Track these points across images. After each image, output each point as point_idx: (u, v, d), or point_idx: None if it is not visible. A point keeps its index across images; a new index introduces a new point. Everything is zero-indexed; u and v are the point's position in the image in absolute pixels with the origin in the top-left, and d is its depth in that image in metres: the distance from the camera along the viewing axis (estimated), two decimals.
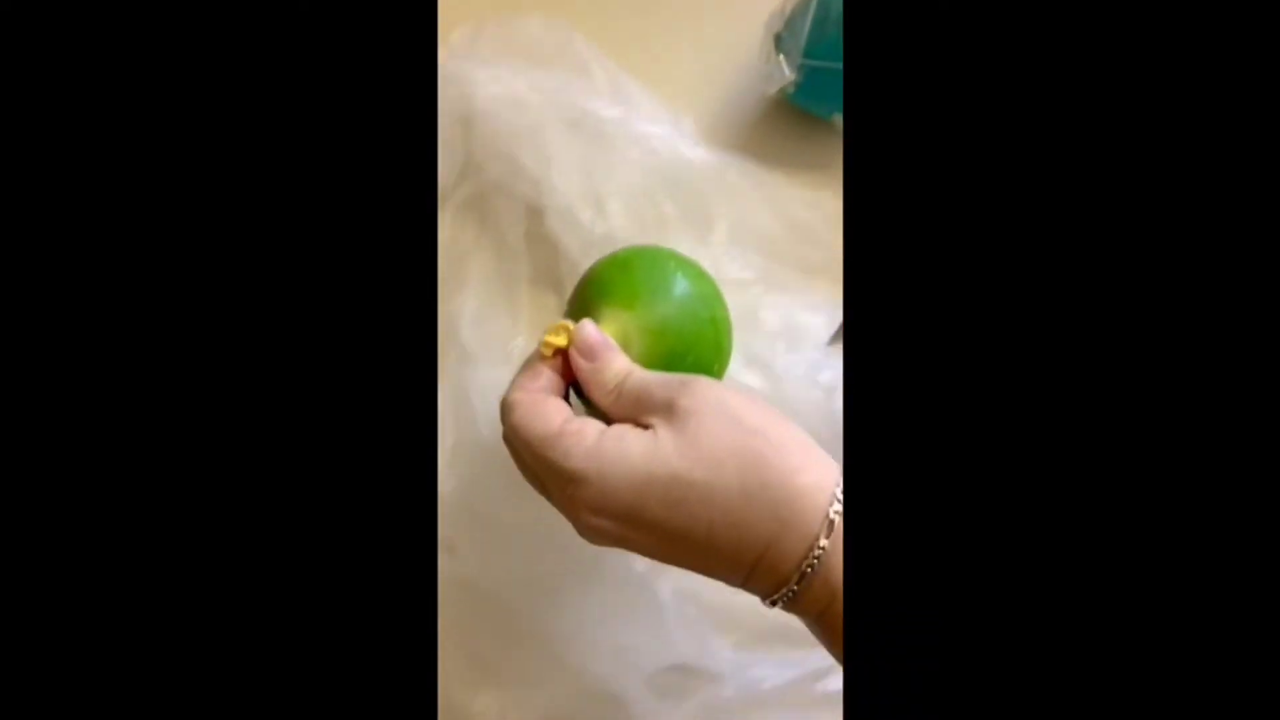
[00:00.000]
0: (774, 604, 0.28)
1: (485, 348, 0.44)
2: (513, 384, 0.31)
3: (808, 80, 0.47)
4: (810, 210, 0.48)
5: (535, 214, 0.47)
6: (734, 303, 0.36)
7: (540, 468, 0.29)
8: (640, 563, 0.41)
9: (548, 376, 0.31)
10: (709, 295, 0.35)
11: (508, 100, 0.45)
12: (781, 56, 0.47)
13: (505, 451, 0.41)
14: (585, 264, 0.45)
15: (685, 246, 0.46)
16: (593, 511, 0.28)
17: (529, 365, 0.31)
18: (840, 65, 0.45)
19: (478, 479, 0.41)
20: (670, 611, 0.41)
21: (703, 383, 0.29)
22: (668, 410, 0.28)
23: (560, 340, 0.31)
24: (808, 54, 0.46)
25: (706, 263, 0.46)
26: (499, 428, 0.35)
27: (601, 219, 0.45)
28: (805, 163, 0.50)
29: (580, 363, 0.30)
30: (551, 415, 0.29)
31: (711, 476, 0.27)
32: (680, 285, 0.34)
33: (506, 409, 0.30)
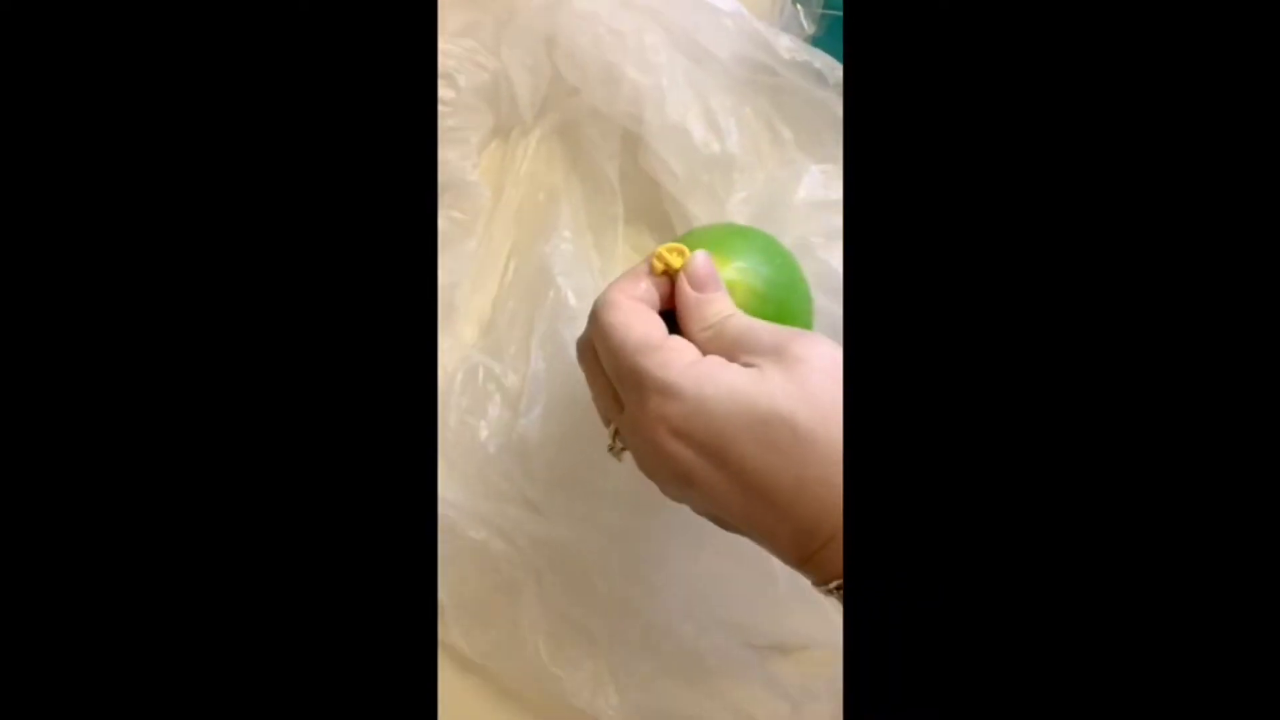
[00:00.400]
0: (837, 590, 0.25)
1: (579, 294, 0.40)
2: (613, 285, 0.29)
3: (828, 32, 0.45)
4: None
5: (632, 142, 0.42)
6: None
7: (630, 374, 0.27)
8: None
9: (647, 289, 0.29)
10: (801, 274, 0.35)
11: (603, 9, 0.40)
12: (799, 6, 0.45)
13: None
14: (690, 196, 0.41)
15: (802, 179, 0.41)
16: (674, 432, 0.26)
17: (632, 274, 0.30)
18: None
19: (569, 436, 0.38)
20: (784, 584, 0.37)
21: (818, 337, 0.27)
22: (777, 352, 0.26)
23: (675, 261, 0.30)
24: (828, 4, 0.44)
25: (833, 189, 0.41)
26: None
27: (715, 137, 0.40)
28: None
29: (687, 289, 0.29)
30: (651, 326, 0.28)
31: (816, 425, 0.25)
32: (778, 257, 0.33)
33: (606, 306, 0.28)
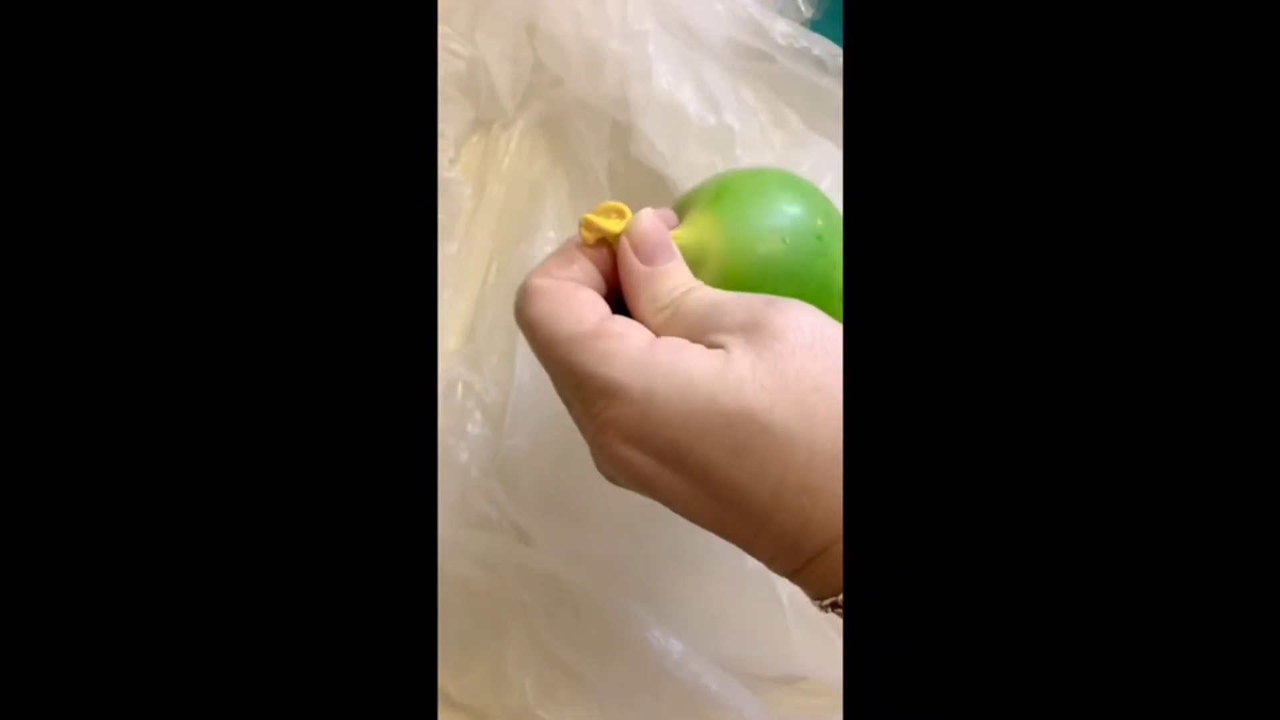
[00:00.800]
0: (832, 608, 0.22)
1: None
2: (538, 268, 0.24)
3: (827, 15, 0.42)
4: None
5: (622, 134, 0.39)
6: None
7: (566, 374, 0.23)
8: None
9: (582, 267, 0.24)
10: (824, 227, 0.26)
11: None
12: None
13: None
14: (690, 180, 0.38)
15: (816, 158, 0.38)
16: (625, 439, 0.22)
17: (561, 252, 0.25)
18: None
19: (563, 459, 0.35)
20: (790, 616, 0.34)
21: (798, 305, 0.22)
22: (748, 329, 0.22)
23: (611, 225, 0.24)
24: None
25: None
26: None
27: (711, 110, 0.36)
28: None
29: (631, 261, 0.24)
30: (584, 309, 0.23)
31: (795, 422, 0.21)
32: (787, 205, 0.26)
33: (527, 296, 0.24)
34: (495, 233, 0.41)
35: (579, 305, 0.23)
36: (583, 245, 0.24)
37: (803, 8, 0.43)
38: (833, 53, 0.40)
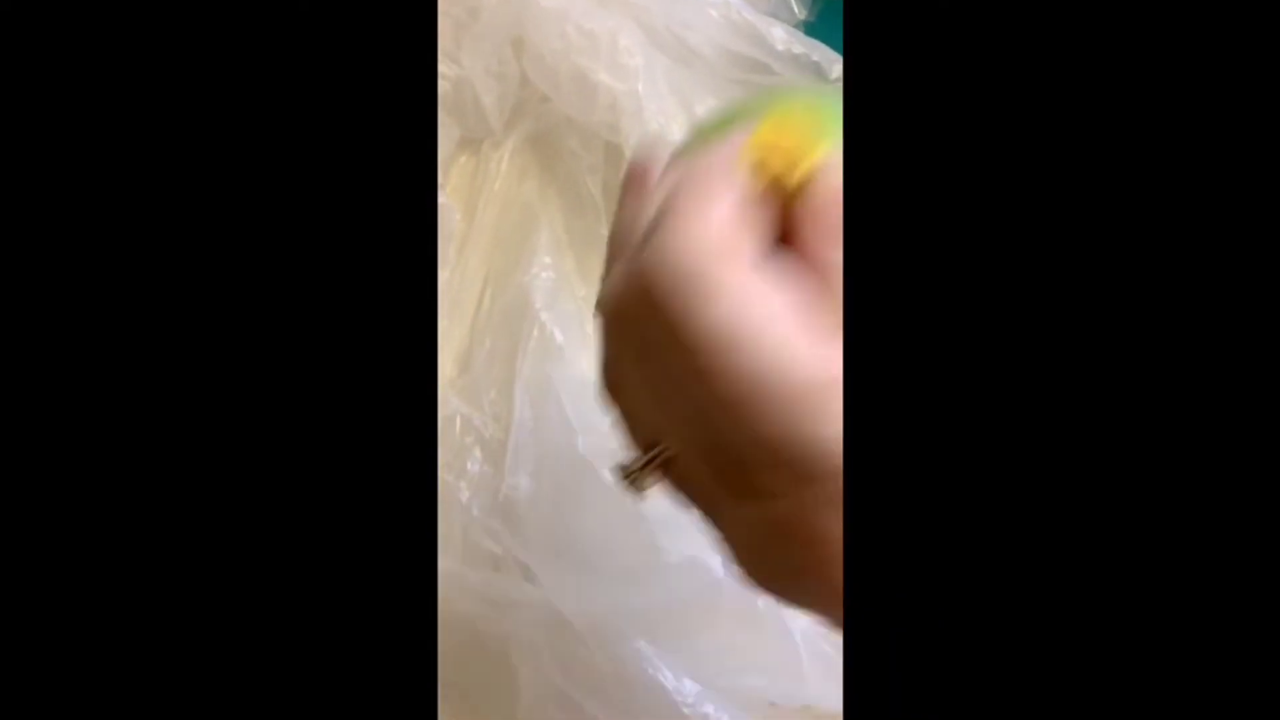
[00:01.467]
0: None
1: (566, 330, 0.36)
2: (681, 229, 0.16)
3: (821, 17, 0.41)
4: None
5: (614, 153, 0.38)
6: None
7: (798, 447, 0.16)
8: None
9: (742, 234, 0.17)
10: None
11: (575, 6, 0.36)
12: None
13: (604, 465, 0.34)
14: None
15: None
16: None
17: (706, 195, 0.17)
18: None
19: (568, 496, 0.34)
20: (803, 649, 0.33)
21: None
22: None
23: (791, 172, 0.18)
24: None
25: None
26: (595, 433, 0.28)
27: None
28: None
29: (829, 225, 0.16)
30: (806, 338, 0.16)
31: None
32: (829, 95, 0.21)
33: (697, 293, 0.16)
34: (489, 258, 0.40)
35: (805, 331, 0.16)
36: (735, 190, 0.17)
37: (796, 9, 0.42)
38: (831, 59, 0.39)
